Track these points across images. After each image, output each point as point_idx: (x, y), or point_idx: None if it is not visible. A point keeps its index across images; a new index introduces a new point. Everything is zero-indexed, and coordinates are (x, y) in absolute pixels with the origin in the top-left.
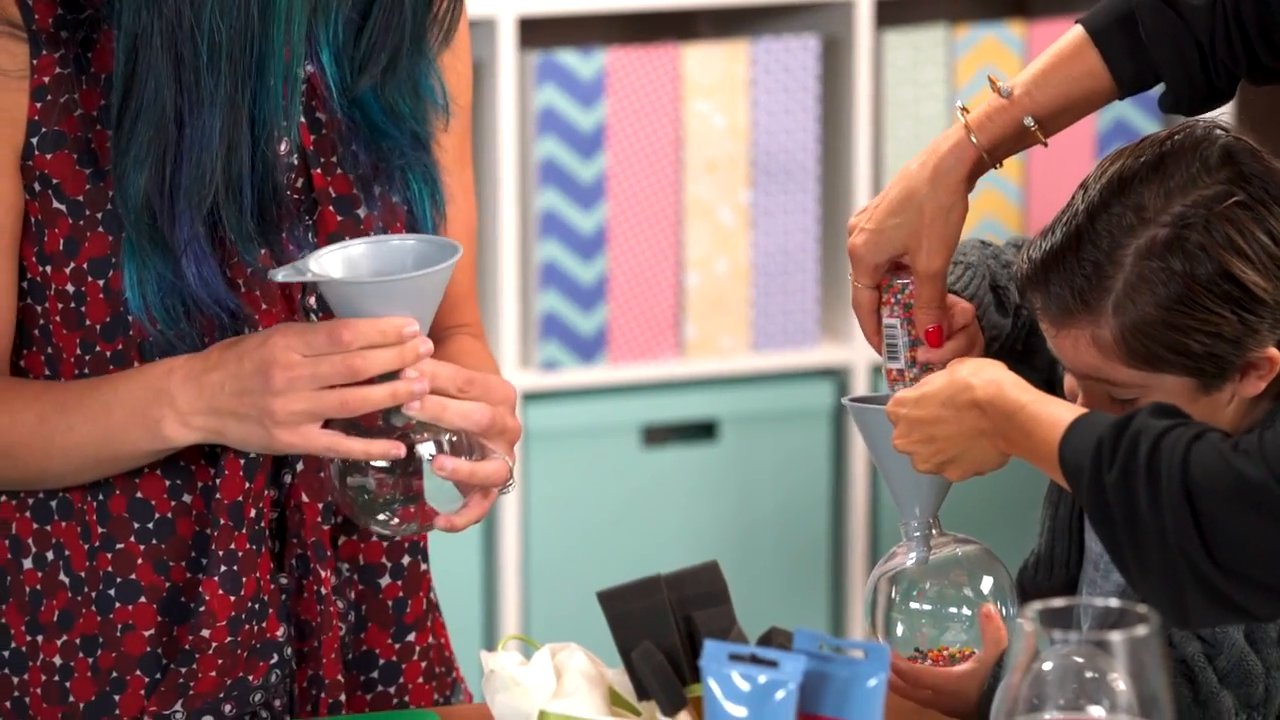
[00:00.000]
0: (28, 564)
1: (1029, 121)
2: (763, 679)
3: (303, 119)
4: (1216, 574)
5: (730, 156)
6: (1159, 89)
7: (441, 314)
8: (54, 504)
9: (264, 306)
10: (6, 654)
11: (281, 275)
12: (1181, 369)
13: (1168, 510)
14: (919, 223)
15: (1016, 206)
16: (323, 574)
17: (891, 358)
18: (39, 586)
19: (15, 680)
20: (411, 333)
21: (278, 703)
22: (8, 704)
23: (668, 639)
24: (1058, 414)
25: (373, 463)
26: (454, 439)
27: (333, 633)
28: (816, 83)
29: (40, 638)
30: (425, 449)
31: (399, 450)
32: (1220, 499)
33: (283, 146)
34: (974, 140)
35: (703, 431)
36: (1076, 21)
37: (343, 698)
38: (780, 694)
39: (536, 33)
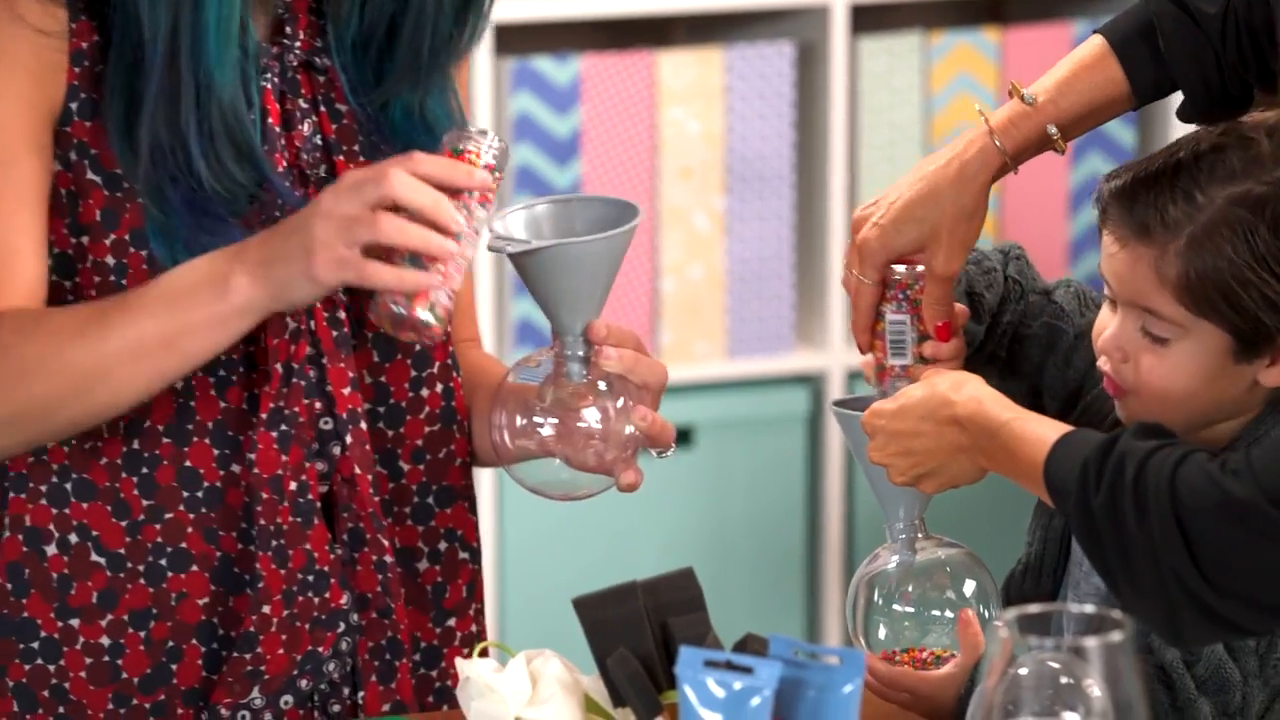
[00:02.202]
0: (51, 550)
1: (1052, 129)
2: (738, 685)
3: (323, 109)
4: (1209, 593)
5: (705, 163)
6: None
7: (456, 326)
8: (69, 487)
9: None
10: (36, 645)
11: (490, 246)
12: (1225, 323)
13: (1157, 531)
14: (940, 223)
15: (991, 209)
16: (384, 543)
17: (896, 353)
18: (66, 571)
19: (51, 668)
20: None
21: (335, 674)
22: (45, 693)
23: (643, 646)
24: (1041, 432)
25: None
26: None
27: (400, 600)
28: (792, 89)
29: (76, 621)
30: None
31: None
32: (1209, 518)
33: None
34: (998, 145)
35: (678, 438)
36: (1095, 31)
37: (418, 657)
38: (755, 700)
39: (512, 39)
